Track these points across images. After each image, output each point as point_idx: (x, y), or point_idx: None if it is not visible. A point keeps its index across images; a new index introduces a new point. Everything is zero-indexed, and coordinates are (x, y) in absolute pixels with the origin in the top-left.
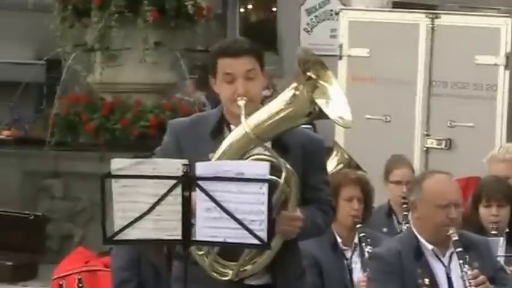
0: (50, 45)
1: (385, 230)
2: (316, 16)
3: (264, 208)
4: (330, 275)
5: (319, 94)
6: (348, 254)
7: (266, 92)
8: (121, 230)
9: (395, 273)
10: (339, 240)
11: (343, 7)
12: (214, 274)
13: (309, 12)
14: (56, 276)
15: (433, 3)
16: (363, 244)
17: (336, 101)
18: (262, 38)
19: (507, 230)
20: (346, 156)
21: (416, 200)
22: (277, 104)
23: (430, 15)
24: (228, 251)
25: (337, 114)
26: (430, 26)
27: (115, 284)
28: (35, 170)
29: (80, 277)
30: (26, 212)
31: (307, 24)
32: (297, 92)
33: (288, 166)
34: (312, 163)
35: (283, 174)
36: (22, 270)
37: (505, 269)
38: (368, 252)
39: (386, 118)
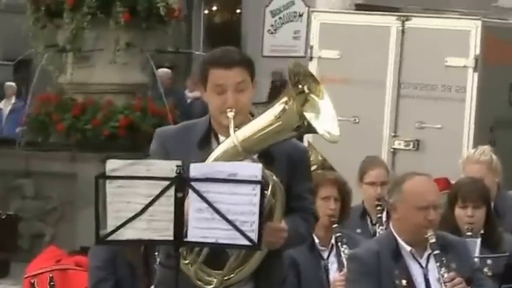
0: (18, 46)
1: (358, 231)
2: (280, 18)
3: (256, 209)
4: (307, 275)
5: (309, 108)
6: (325, 254)
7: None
8: (114, 231)
9: (372, 274)
10: (317, 240)
11: (315, 9)
12: (199, 282)
13: (273, 13)
14: (27, 275)
15: (395, 5)
16: (339, 244)
17: (325, 115)
18: (226, 40)
19: (482, 231)
20: (320, 157)
21: (396, 202)
22: (266, 118)
23: (401, 18)
24: (214, 259)
25: (325, 128)
26: (401, 28)
27: (92, 283)
28: (6, 170)
29: (51, 275)
30: None
31: (271, 25)
32: (287, 106)
33: (275, 178)
34: (297, 172)
35: (270, 186)
36: None
37: (482, 270)
38: (344, 252)
39: (355, 119)
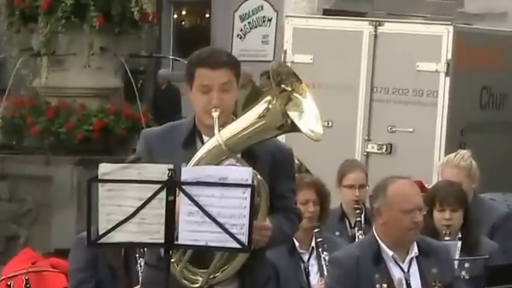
0: None
1: (337, 233)
2: (249, 22)
3: (246, 212)
4: (286, 278)
5: (292, 107)
6: (305, 257)
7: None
8: (105, 234)
9: (351, 279)
10: (297, 244)
11: (288, 14)
12: (185, 281)
13: (242, 18)
14: (3, 277)
15: (361, 10)
16: (320, 250)
17: (308, 114)
18: (196, 44)
19: (460, 234)
20: (296, 161)
21: (381, 206)
22: (250, 117)
23: (374, 23)
24: (199, 258)
25: (309, 127)
26: (373, 33)
27: (73, 285)
28: None
29: (27, 277)
30: None
31: (241, 30)
32: (270, 105)
33: (259, 176)
34: (280, 172)
35: (254, 184)
36: None
37: (461, 279)
38: (324, 259)
39: (328, 123)
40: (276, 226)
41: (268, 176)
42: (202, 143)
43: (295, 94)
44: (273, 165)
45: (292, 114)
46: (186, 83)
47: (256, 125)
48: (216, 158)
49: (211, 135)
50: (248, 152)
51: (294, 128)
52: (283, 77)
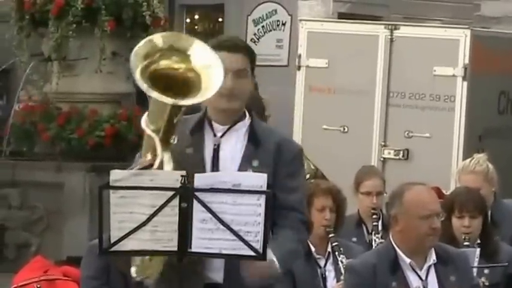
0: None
1: (354, 239)
2: (263, 26)
3: (261, 219)
4: (303, 283)
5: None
6: (322, 263)
7: None
8: (117, 242)
9: (367, 287)
10: (313, 249)
11: (302, 18)
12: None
13: (255, 22)
14: (15, 285)
15: (376, 14)
16: (336, 253)
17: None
18: None
19: (479, 241)
20: (312, 166)
21: (397, 213)
22: None
23: (389, 27)
24: None
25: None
26: (389, 37)
27: None
28: None
29: (39, 286)
30: None
31: (254, 34)
32: None
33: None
34: (284, 164)
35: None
36: None
37: (480, 286)
38: (341, 261)
39: (343, 128)
40: (280, 254)
41: (273, 163)
42: (212, 129)
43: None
44: (277, 153)
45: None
46: None
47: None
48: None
49: (222, 122)
50: (254, 135)
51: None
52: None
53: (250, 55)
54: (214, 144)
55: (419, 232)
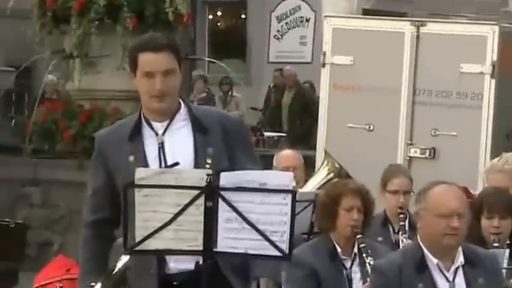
0: (21, 52)
1: (380, 239)
2: (286, 23)
3: (287, 219)
4: (328, 284)
5: None
6: (348, 264)
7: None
8: (142, 241)
9: (392, 287)
10: (339, 249)
11: (327, 14)
12: None
13: (279, 19)
14: (37, 284)
15: (402, 10)
16: (364, 255)
17: None
18: (231, 45)
19: (508, 241)
20: (336, 165)
21: (420, 210)
22: None
23: (416, 23)
24: None
25: None
26: (415, 34)
27: None
28: (13, 178)
29: (61, 285)
30: (7, 219)
31: (278, 31)
32: None
33: None
34: (234, 140)
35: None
36: (3, 278)
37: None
38: (369, 263)
39: (369, 127)
40: None
41: (224, 145)
42: (153, 129)
43: None
44: (224, 134)
45: None
46: (131, 70)
47: None
48: None
49: (160, 120)
50: (199, 124)
51: None
52: None
53: (175, 50)
54: (158, 143)
55: (436, 230)
